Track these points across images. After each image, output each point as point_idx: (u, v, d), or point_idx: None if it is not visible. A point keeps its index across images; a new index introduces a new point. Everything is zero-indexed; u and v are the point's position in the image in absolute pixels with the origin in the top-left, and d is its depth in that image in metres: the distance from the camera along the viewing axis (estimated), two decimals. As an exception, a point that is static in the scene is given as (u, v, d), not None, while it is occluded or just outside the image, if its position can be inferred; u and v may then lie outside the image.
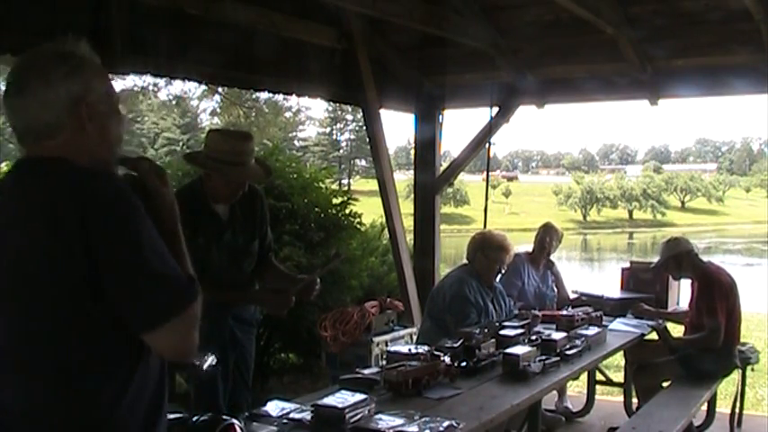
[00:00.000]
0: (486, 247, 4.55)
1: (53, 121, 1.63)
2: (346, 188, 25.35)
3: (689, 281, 5.12)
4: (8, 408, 1.60)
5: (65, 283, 1.54)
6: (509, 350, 3.58)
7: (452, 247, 21.45)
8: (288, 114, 43.35)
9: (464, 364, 3.46)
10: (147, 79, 20.37)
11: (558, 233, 5.76)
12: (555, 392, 5.46)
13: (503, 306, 4.64)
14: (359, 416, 2.61)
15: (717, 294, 4.81)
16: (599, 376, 5.87)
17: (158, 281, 1.57)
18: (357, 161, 69.03)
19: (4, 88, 1.70)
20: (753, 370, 5.44)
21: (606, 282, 12.76)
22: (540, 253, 5.69)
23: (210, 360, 3.01)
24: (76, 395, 1.57)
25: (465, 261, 4.68)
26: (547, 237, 5.66)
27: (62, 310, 1.56)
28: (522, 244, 6.74)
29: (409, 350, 3.41)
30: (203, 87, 28.73)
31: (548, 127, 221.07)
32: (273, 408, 2.80)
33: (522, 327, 4.08)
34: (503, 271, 4.74)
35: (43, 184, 1.60)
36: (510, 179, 79.65)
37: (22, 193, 1.63)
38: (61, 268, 1.54)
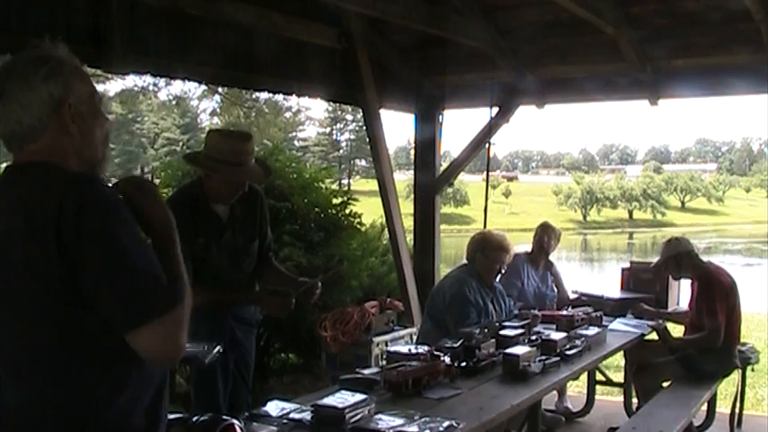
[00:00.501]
0: (486, 247, 4.55)
1: (36, 123, 1.63)
2: (346, 188, 25.37)
3: (689, 281, 5.12)
4: (5, 407, 1.61)
5: (47, 286, 1.54)
6: (509, 350, 3.58)
7: (452, 247, 21.45)
8: (288, 114, 43.41)
9: (464, 364, 3.46)
10: (147, 79, 20.46)
11: (556, 232, 5.77)
12: (555, 392, 5.46)
13: (503, 306, 4.63)
14: (359, 416, 2.61)
15: (717, 294, 4.81)
16: (599, 376, 5.87)
17: (140, 281, 1.56)
18: (357, 161, 68.95)
19: None
20: (753, 370, 5.45)
21: (606, 282, 12.75)
22: (539, 253, 5.69)
23: (215, 351, 2.97)
24: (71, 395, 1.58)
25: (465, 261, 4.68)
26: (545, 236, 5.67)
27: (50, 313, 1.56)
28: (522, 244, 6.73)
29: (409, 350, 3.41)
30: (203, 87, 28.85)
31: (548, 127, 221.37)
32: (273, 408, 2.80)
33: (522, 327, 4.08)
34: (503, 271, 4.74)
35: (23, 190, 1.61)
36: (510, 179, 79.57)
37: (5, 200, 1.64)
38: (40, 272, 1.54)
